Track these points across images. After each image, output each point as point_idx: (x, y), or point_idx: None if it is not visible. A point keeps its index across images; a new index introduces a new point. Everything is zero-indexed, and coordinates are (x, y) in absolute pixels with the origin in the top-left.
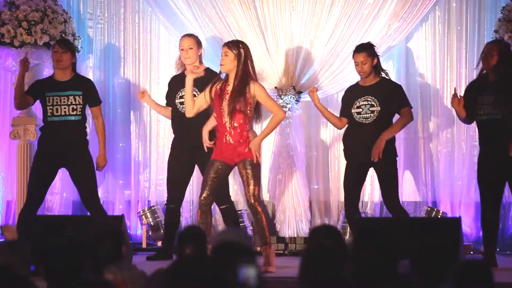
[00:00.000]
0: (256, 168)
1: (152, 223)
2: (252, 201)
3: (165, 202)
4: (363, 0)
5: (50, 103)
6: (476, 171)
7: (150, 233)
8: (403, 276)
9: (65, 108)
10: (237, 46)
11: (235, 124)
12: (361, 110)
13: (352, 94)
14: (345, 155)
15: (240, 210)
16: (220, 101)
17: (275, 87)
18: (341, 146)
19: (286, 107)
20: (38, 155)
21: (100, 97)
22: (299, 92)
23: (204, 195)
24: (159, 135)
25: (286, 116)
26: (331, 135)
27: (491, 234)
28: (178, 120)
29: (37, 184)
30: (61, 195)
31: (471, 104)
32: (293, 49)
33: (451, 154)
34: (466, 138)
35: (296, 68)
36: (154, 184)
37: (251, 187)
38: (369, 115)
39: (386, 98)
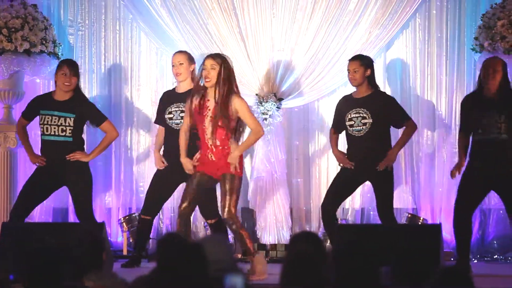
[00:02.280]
0: (234, 182)
1: (132, 230)
2: (225, 216)
3: (140, 211)
4: (344, 7)
5: (41, 122)
6: (460, 180)
7: (130, 240)
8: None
9: (55, 128)
10: (222, 59)
11: (217, 143)
12: (353, 122)
13: (344, 105)
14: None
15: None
16: (201, 118)
17: (256, 94)
18: (322, 153)
19: (267, 114)
20: (39, 170)
21: (102, 113)
22: (280, 99)
23: (184, 204)
24: (140, 142)
25: (267, 123)
26: (312, 142)
27: (466, 242)
28: (168, 135)
29: (27, 198)
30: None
31: (470, 119)
32: (274, 56)
33: (432, 161)
34: (446, 145)
35: (277, 75)
36: (135, 191)
37: (227, 202)
38: (361, 127)
39: (378, 110)
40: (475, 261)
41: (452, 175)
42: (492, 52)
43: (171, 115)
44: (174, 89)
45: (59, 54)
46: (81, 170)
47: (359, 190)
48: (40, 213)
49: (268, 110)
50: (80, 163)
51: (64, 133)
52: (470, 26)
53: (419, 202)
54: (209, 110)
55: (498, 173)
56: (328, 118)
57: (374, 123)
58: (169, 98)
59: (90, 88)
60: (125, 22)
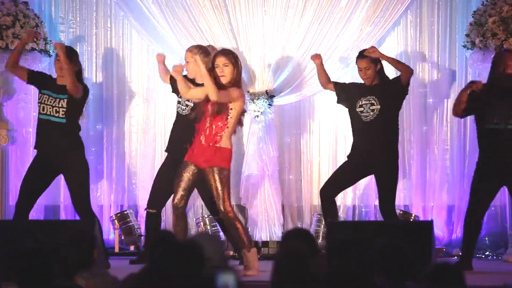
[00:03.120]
0: (223, 174)
1: (124, 227)
2: (222, 208)
3: (146, 206)
4: (335, 4)
5: (40, 100)
6: (474, 175)
7: (122, 238)
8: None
9: (50, 108)
10: (233, 55)
11: (213, 126)
12: (362, 109)
13: (357, 90)
14: (349, 154)
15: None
16: (207, 103)
17: (248, 91)
18: (313, 151)
19: (258, 111)
20: (35, 159)
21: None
22: (272, 96)
23: (177, 198)
24: (132, 139)
25: (258, 120)
26: (304, 139)
27: (473, 239)
28: (175, 122)
29: (28, 190)
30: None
31: (480, 105)
32: (265, 53)
33: (424, 158)
34: (438, 142)
35: (268, 72)
36: (127, 188)
37: (220, 195)
38: (369, 113)
39: (386, 95)
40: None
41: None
42: (483, 49)
43: (180, 99)
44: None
45: (51, 51)
46: (76, 159)
47: (351, 188)
48: (32, 211)
49: (259, 107)
50: (76, 152)
51: (57, 114)
52: (462, 23)
53: (410, 199)
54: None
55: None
56: (320, 115)
57: (381, 109)
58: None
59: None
60: (116, 19)
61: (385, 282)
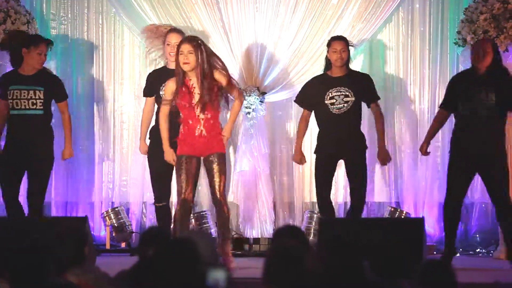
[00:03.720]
0: (224, 162)
1: (115, 224)
2: (219, 197)
3: (154, 201)
4: (327, 1)
5: (11, 97)
6: (449, 162)
7: (113, 234)
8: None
9: (25, 102)
10: (196, 41)
11: (209, 115)
12: (334, 100)
13: (322, 84)
14: (317, 147)
15: (204, 211)
16: (190, 97)
17: (239, 88)
18: (305, 147)
19: (250, 108)
20: (4, 153)
21: (66, 92)
22: (263, 93)
23: (187, 192)
24: (123, 136)
25: (250, 117)
26: (295, 136)
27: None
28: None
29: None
30: (24, 197)
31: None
32: (257, 50)
33: (415, 154)
34: None
35: (260, 69)
36: (118, 185)
37: (218, 182)
38: (343, 105)
39: (359, 89)
40: (458, 254)
41: (424, 151)
42: None
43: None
44: (164, 67)
45: None
46: (46, 155)
47: (342, 184)
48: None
49: (251, 104)
50: (48, 147)
51: (34, 106)
52: (453, 20)
53: (402, 196)
54: (194, 87)
55: (484, 152)
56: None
57: (355, 101)
58: (160, 76)
59: (74, 82)
60: (108, 16)
61: (377, 278)
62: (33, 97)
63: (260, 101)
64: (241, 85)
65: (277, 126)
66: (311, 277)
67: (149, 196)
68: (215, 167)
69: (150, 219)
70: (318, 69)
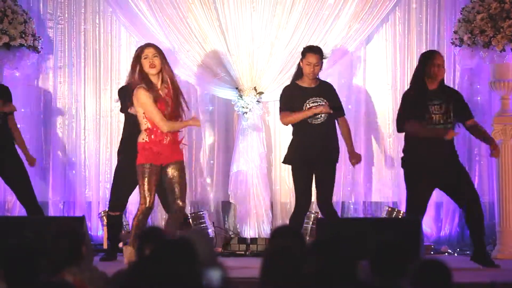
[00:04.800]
0: (185, 169)
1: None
2: (182, 205)
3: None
4: (324, 1)
5: None
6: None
7: None
8: (363, 279)
9: None
10: (157, 47)
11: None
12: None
13: (298, 95)
14: (292, 158)
15: (201, 211)
16: (166, 105)
17: (236, 88)
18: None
19: (247, 108)
20: None
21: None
22: (260, 93)
23: (151, 201)
24: (119, 136)
25: (247, 117)
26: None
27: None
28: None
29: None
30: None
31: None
32: (254, 50)
33: None
34: None
35: (257, 69)
36: None
37: (180, 190)
38: (320, 115)
39: (331, 99)
40: (455, 254)
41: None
42: (472, 46)
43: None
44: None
45: (39, 47)
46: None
47: (338, 183)
48: (20, 207)
49: (248, 104)
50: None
51: None
52: (450, 19)
53: (399, 196)
54: (167, 96)
55: (444, 166)
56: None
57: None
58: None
59: (70, 82)
60: (105, 15)
61: (371, 279)
62: None
63: (257, 101)
64: (238, 85)
65: (274, 126)
66: (307, 277)
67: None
68: (177, 175)
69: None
70: None
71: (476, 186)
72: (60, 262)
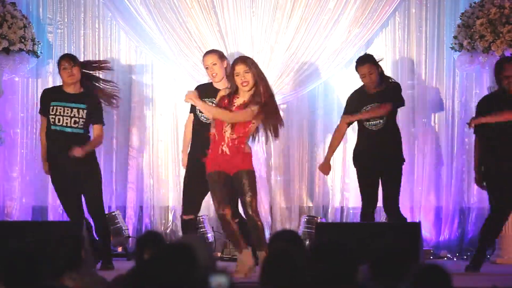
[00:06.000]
0: (252, 177)
1: (112, 228)
2: (251, 213)
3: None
4: (323, 5)
5: (53, 112)
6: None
7: (110, 239)
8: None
9: (67, 119)
10: (253, 64)
11: (234, 136)
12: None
13: (358, 100)
14: (355, 161)
15: (201, 216)
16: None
17: None
18: (303, 152)
19: None
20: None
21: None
22: None
23: (226, 209)
24: (118, 139)
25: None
26: (292, 140)
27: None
28: (198, 128)
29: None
30: (20, 200)
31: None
32: (253, 55)
33: (412, 159)
34: (427, 143)
35: None
36: (115, 190)
37: (248, 198)
38: (378, 121)
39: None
40: (454, 259)
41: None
42: (471, 51)
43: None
44: (211, 83)
45: (38, 52)
46: (91, 164)
47: (339, 188)
48: (19, 212)
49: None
50: (90, 157)
51: (76, 125)
52: (449, 24)
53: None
54: (234, 106)
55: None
56: (308, 117)
57: (388, 116)
58: (206, 91)
59: None
60: (105, 20)
61: (371, 283)
62: (76, 115)
63: None
64: None
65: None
66: (307, 281)
67: (146, 201)
68: (240, 185)
69: (147, 223)
70: (314, 73)
71: (475, 192)
72: (59, 267)
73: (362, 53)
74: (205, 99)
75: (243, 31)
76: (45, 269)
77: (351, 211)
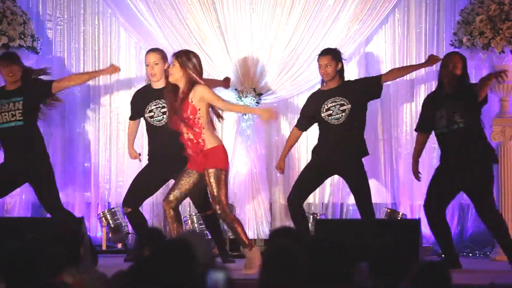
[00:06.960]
0: (219, 175)
1: (112, 225)
2: (218, 210)
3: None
4: (323, 2)
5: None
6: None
7: (110, 235)
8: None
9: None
10: (181, 55)
11: (191, 136)
12: (331, 112)
13: (316, 100)
14: (313, 159)
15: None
16: (176, 116)
17: (236, 89)
18: (301, 148)
19: None
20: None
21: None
22: (260, 94)
23: (171, 195)
24: (119, 136)
25: (246, 118)
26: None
27: (447, 238)
28: (152, 134)
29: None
30: (20, 197)
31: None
32: (253, 51)
33: (411, 156)
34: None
35: (256, 70)
36: (114, 186)
37: (216, 195)
38: (340, 114)
39: (354, 94)
40: None
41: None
42: (471, 48)
43: (152, 113)
44: (149, 85)
45: (38, 48)
46: (40, 162)
47: (338, 184)
48: (19, 208)
49: (247, 105)
50: (38, 154)
51: (14, 118)
52: (449, 21)
53: (398, 197)
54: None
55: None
56: None
57: (352, 108)
58: (145, 96)
59: None
60: (104, 16)
61: (371, 280)
62: (12, 108)
63: (256, 102)
64: (237, 86)
65: (273, 127)
66: (306, 278)
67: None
68: (209, 182)
69: (147, 220)
70: (313, 70)
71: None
72: (59, 263)
73: (361, 50)
74: (152, 102)
75: (243, 28)
76: (44, 266)
77: (350, 207)
